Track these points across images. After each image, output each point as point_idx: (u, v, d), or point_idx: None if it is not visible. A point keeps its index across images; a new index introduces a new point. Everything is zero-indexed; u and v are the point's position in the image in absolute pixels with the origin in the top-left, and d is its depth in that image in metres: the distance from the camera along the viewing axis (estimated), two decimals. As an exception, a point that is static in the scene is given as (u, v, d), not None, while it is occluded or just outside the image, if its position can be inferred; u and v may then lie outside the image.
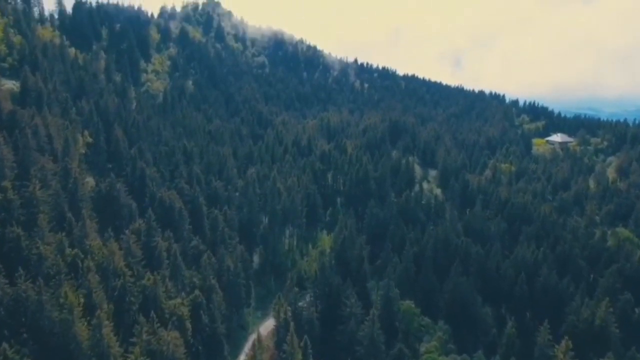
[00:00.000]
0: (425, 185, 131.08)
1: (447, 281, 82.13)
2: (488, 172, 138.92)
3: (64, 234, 58.49)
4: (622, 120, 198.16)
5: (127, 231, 65.77)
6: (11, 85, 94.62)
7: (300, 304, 77.20)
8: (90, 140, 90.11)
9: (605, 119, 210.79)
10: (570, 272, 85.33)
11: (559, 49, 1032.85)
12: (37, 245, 53.57)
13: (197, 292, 64.49)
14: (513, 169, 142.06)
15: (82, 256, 56.84)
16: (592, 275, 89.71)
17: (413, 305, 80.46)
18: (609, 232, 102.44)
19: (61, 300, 49.05)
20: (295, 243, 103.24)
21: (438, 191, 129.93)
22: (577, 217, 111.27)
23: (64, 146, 76.15)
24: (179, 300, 62.49)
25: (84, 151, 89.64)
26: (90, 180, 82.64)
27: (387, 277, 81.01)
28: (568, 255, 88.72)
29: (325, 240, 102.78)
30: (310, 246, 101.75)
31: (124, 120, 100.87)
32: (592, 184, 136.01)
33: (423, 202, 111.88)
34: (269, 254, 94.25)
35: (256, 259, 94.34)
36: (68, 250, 56.25)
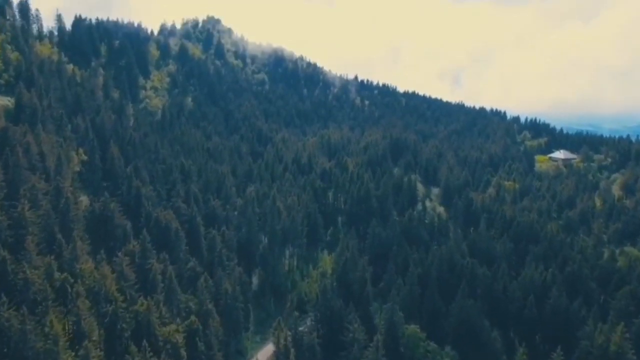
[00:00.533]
0: (427, 203, 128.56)
1: (454, 304, 78.98)
2: (491, 190, 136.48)
3: (53, 257, 55.71)
4: (623, 136, 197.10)
5: (120, 253, 62.95)
6: (6, 101, 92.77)
7: (300, 328, 74.04)
8: (85, 158, 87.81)
9: (605, 135, 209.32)
10: (581, 294, 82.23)
11: (558, 67, 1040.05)
12: (23, 270, 50.76)
13: (193, 317, 61.42)
14: (517, 186, 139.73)
15: (72, 281, 53.95)
16: (602, 297, 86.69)
17: (418, 330, 77.17)
18: (618, 252, 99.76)
19: (46, 330, 46.07)
20: (295, 264, 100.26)
21: (441, 209, 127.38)
22: (584, 236, 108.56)
23: (56, 164, 73.77)
24: (173, 326, 59.36)
25: (78, 169, 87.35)
26: (84, 199, 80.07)
27: (391, 300, 77.91)
28: (577, 277, 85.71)
29: (327, 260, 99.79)
30: (310, 267, 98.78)
31: (121, 138, 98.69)
32: (597, 201, 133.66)
33: (426, 221, 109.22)
34: (268, 275, 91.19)
35: (255, 280, 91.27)
36: (57, 275, 53.39)
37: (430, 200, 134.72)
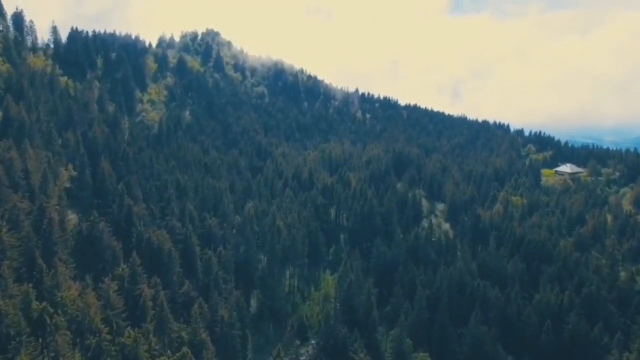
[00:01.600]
0: (432, 219, 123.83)
1: (466, 330, 74.00)
2: (499, 206, 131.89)
3: (32, 284, 50.92)
4: (622, 149, 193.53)
5: (107, 279, 58.16)
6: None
7: (302, 359, 68.91)
8: (74, 174, 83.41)
9: (606, 148, 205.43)
10: (600, 318, 77.28)
11: (556, 79, 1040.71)
12: (-3, 300, 46.01)
13: (185, 349, 56.34)
14: (524, 202, 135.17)
15: (51, 311, 49.10)
16: (621, 320, 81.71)
17: (428, 357, 72.22)
18: (634, 270, 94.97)
19: (18, 369, 41.22)
20: (296, 285, 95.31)
21: (446, 226, 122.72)
22: (597, 255, 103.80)
23: (41, 182, 69.26)
24: (164, 359, 54.34)
25: (67, 186, 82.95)
26: (73, 218, 75.59)
27: (398, 326, 73.01)
28: (596, 299, 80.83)
29: (329, 281, 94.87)
30: (312, 288, 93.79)
31: (113, 152, 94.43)
32: (608, 217, 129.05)
33: (433, 239, 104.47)
34: (267, 297, 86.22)
35: (253, 303, 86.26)
36: (35, 304, 48.57)
37: (436, 216, 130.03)
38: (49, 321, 48.06)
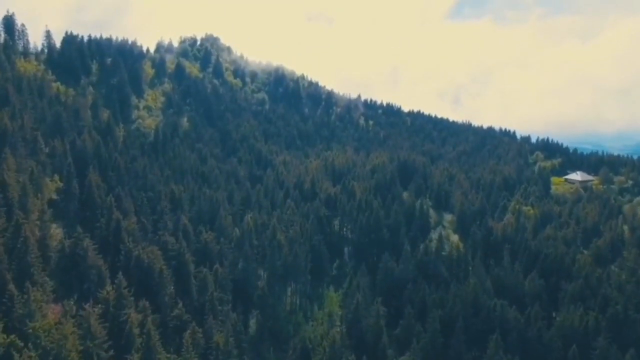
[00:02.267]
0: (442, 232, 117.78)
1: (484, 356, 67.79)
2: (510, 217, 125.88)
3: (1, 314, 45.05)
4: (622, 155, 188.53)
5: (87, 305, 52.21)
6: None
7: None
8: (60, 185, 77.65)
9: (617, 155, 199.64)
10: (630, 342, 71.03)
11: (557, 85, 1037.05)
12: (-43, 334, 40.16)
13: (174, 384, 50.43)
14: (536, 212, 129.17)
15: (21, 345, 43.19)
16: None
17: (443, 387, 66.03)
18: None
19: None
20: (298, 303, 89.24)
21: (455, 238, 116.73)
22: (617, 270, 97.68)
23: (20, 194, 63.47)
24: (150, 396, 48.37)
25: (54, 198, 77.22)
26: (58, 233, 69.87)
27: (410, 352, 66.89)
28: (623, 321, 74.64)
29: (333, 298, 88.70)
30: (315, 307, 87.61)
31: (104, 162, 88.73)
32: (625, 228, 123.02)
33: (443, 253, 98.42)
34: (267, 318, 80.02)
35: (252, 324, 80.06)
36: (1, 338, 42.64)
37: (444, 227, 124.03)
38: (17, 358, 42.12)
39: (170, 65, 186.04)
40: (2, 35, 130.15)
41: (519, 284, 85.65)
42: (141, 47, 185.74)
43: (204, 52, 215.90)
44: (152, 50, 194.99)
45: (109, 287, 58.50)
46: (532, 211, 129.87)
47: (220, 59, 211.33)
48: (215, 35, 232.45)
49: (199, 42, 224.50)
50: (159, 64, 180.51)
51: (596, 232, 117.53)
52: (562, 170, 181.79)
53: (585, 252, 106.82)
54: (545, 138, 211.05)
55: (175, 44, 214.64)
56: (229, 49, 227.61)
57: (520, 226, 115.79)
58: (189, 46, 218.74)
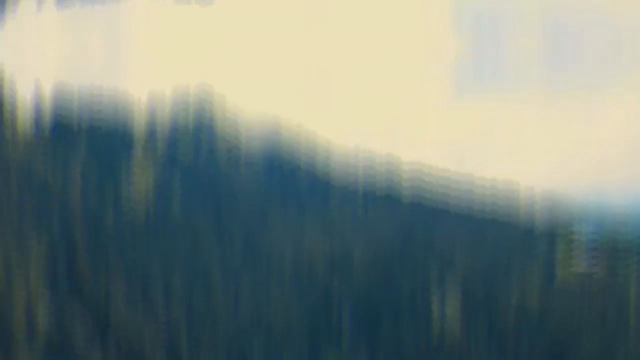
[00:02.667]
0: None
1: None
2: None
3: None
4: None
5: None
6: None
7: None
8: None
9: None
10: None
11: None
12: None
13: None
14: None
15: None
16: None
17: None
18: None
19: None
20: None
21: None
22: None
23: None
24: None
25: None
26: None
27: None
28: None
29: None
30: None
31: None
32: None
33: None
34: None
35: None
36: None
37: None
38: None
39: (161, 146, 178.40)
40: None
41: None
42: (131, 100, 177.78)
43: (197, 105, 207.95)
44: (141, 105, 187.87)
45: None
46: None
47: (215, 113, 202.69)
48: (209, 83, 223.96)
49: (191, 92, 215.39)
50: (149, 138, 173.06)
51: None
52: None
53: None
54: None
55: (167, 94, 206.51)
56: (222, 98, 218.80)
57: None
58: (181, 97, 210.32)
